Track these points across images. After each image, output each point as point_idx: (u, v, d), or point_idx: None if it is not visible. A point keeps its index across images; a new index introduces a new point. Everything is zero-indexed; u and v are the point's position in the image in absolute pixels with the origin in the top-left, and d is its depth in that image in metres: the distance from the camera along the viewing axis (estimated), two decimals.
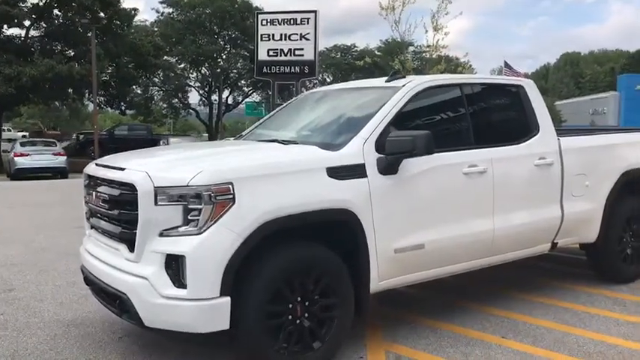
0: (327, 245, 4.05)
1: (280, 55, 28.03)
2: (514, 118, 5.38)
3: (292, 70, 28.01)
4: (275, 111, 5.84)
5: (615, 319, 5.00)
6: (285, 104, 5.96)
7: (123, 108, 40.19)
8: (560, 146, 5.37)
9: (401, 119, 4.51)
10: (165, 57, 44.56)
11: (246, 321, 3.66)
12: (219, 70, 48.01)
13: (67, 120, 73.27)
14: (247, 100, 48.90)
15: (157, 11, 48.07)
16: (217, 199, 3.56)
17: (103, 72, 31.66)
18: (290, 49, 28.02)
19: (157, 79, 47.46)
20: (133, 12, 35.92)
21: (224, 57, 48.45)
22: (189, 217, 3.58)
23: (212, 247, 3.53)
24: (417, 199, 4.41)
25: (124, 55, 34.49)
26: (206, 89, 50.80)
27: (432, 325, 4.86)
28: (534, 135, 5.24)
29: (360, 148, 4.19)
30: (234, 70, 49.33)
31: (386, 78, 5.03)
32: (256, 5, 45.66)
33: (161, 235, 3.62)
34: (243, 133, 5.66)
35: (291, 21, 28.36)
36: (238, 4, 46.18)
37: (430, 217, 4.49)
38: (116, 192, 3.90)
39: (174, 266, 3.58)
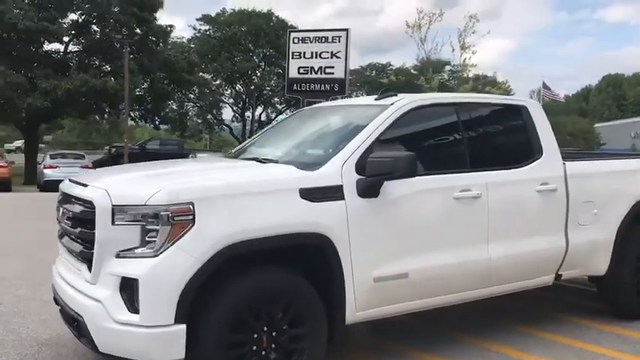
0: (299, 271, 3.82)
1: (311, 73, 27.93)
2: (515, 141, 5.07)
3: (322, 88, 27.86)
4: (267, 127, 5.66)
5: None
6: (279, 121, 5.78)
7: (157, 122, 40.71)
8: (566, 171, 5.03)
9: (387, 139, 4.27)
10: (201, 73, 45.15)
11: (203, 351, 3.44)
12: (252, 87, 48.39)
13: (106, 133, 74.89)
14: (280, 116, 49.08)
15: (194, 28, 48.79)
16: (176, 219, 3.37)
17: (137, 87, 32.08)
18: (320, 67, 27.90)
19: (192, 95, 48.03)
20: (168, 28, 36.46)
21: (258, 74, 48.82)
22: (147, 239, 3.40)
23: (167, 271, 3.33)
24: (401, 225, 4.14)
25: (158, 71, 34.94)
26: (240, 106, 51.19)
27: (420, 358, 4.55)
28: (537, 159, 4.92)
29: (338, 169, 3.96)
30: (268, 88, 49.62)
31: (376, 96, 4.80)
32: (291, 24, 45.93)
33: (118, 256, 3.44)
34: (233, 151, 5.48)
35: (323, 39, 28.29)
36: (273, 22, 46.57)
37: (415, 244, 4.21)
38: (78, 209, 3.75)
39: (129, 290, 3.39)
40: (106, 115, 38.78)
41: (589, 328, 5.35)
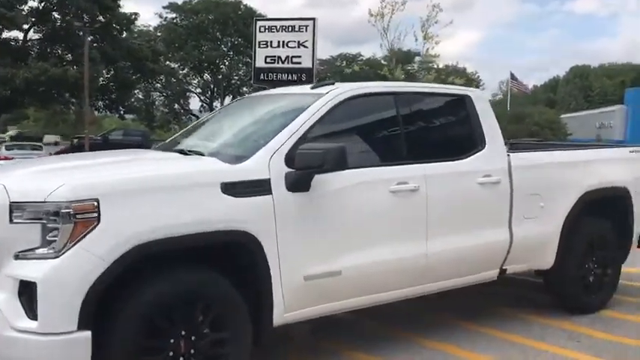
0: (222, 271, 3.58)
1: (278, 63, 27.53)
2: (457, 132, 4.90)
3: (290, 78, 27.44)
4: (205, 117, 5.38)
5: (565, 358, 4.49)
6: (217, 110, 5.52)
7: (122, 112, 39.98)
8: (510, 163, 4.87)
9: (321, 130, 4.05)
10: (167, 62, 44.43)
11: (112, 359, 3.19)
12: (220, 77, 47.83)
13: (73, 124, 73.40)
14: None
15: (161, 16, 47.97)
16: (78, 217, 3.10)
17: (99, 76, 31.36)
18: (288, 57, 27.53)
19: (158, 85, 47.28)
20: (133, 16, 35.76)
21: (226, 63, 48.24)
22: (48, 238, 3.13)
23: (68, 273, 3.06)
24: (334, 220, 3.93)
25: (122, 60, 34.25)
26: (207, 95, 50.59)
27: (356, 357, 4.37)
28: (479, 150, 4.74)
29: (265, 162, 3.73)
30: (236, 77, 49.16)
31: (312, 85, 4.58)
32: (259, 12, 45.43)
33: (17, 257, 3.16)
34: (167, 141, 5.20)
35: (290, 28, 27.89)
36: (242, 11, 46.01)
37: (349, 240, 4.01)
38: None
39: (28, 294, 3.11)
40: (71, 106, 37.88)
41: (534, 323, 5.22)
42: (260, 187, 3.64)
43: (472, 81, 67.73)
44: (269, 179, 3.68)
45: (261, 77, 27.95)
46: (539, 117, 45.47)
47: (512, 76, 50.96)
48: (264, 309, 3.69)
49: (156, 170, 3.67)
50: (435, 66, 18.84)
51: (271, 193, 3.66)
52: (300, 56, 27.60)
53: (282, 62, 27.76)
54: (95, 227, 3.12)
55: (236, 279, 3.61)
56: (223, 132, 4.64)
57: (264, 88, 36.67)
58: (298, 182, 3.73)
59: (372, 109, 4.50)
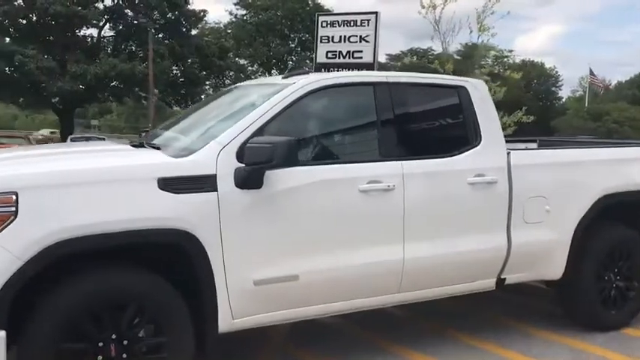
0: (161, 273, 3.37)
1: (339, 58, 27.08)
2: (447, 126, 4.47)
3: None
4: (189, 109, 5.18)
5: None
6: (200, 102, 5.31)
7: None
8: (510, 162, 4.40)
9: (283, 123, 3.76)
10: (237, 59, 45.05)
11: None
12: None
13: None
14: None
15: (231, 13, 48.72)
16: None
17: (166, 72, 32.09)
18: (349, 52, 27.13)
19: (228, 81, 48.02)
20: (201, 13, 36.39)
21: (294, 59, 48.37)
22: None
23: None
24: (291, 220, 3.64)
25: (190, 56, 34.93)
26: None
27: None
28: (473, 147, 4.30)
29: (213, 156, 3.48)
30: None
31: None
32: (327, 8, 45.24)
33: None
34: (150, 133, 5.04)
35: (351, 23, 27.38)
36: (310, 6, 45.96)
37: (309, 242, 3.70)
38: None
39: None
40: (143, 100, 39.05)
41: (536, 338, 4.72)
42: (203, 184, 3.40)
43: (550, 76, 65.15)
44: (215, 175, 3.43)
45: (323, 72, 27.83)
46: (618, 114, 43.03)
47: (591, 72, 48.52)
48: (208, 314, 3.45)
49: (86, 164, 3.49)
50: (512, 61, 18.07)
51: (216, 190, 3.41)
52: (361, 51, 27.07)
53: (343, 57, 27.31)
54: (12, 222, 2.97)
55: (177, 281, 3.40)
56: (191, 124, 4.41)
57: None
58: (248, 179, 3.45)
59: (346, 100, 4.17)
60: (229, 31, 46.45)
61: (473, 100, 4.40)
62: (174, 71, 35.67)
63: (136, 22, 33.73)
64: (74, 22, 31.52)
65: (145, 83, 31.72)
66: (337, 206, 3.77)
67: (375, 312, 4.30)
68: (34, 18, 31.21)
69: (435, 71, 17.78)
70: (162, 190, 3.29)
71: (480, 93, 4.47)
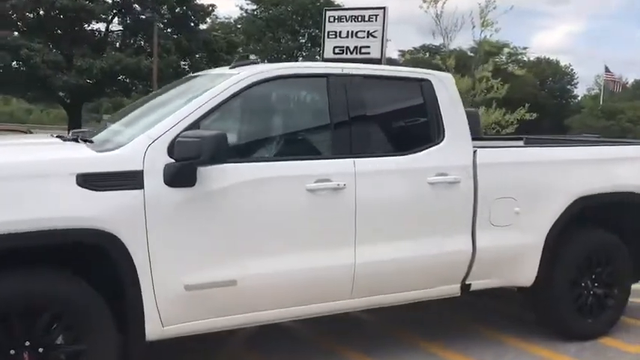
0: (83, 275, 3.15)
1: (346, 53, 26.84)
2: (406, 122, 4.19)
3: None
4: (139, 100, 4.91)
5: None
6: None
7: None
8: (476, 160, 4.12)
9: (222, 116, 3.53)
10: (246, 54, 44.85)
11: None
12: None
13: None
14: None
15: (241, 8, 48.52)
16: None
17: (171, 67, 31.94)
18: (356, 47, 26.89)
19: None
20: (209, 8, 36.18)
21: (304, 54, 48.08)
22: None
23: None
24: (228, 222, 3.39)
25: (198, 51, 34.78)
26: None
27: None
28: (435, 144, 4.03)
29: (140, 151, 3.24)
30: None
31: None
32: (338, 3, 44.93)
33: None
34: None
35: (359, 18, 27.19)
36: (320, 1, 45.66)
37: (248, 245, 3.46)
38: None
39: None
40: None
41: (509, 347, 4.44)
42: (127, 180, 3.16)
43: (565, 74, 64.25)
44: (141, 171, 3.19)
45: None
46: (633, 113, 42.29)
47: (607, 69, 47.76)
48: (133, 321, 3.22)
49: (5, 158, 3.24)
50: (526, 59, 17.83)
51: (142, 188, 3.18)
52: (369, 46, 26.85)
53: (351, 53, 27.07)
54: None
55: (100, 285, 3.17)
56: (137, 116, 4.16)
57: None
58: (178, 175, 3.21)
59: (295, 93, 3.93)
60: (239, 26, 46.23)
61: (437, 95, 4.12)
62: (183, 66, 35.53)
63: (143, 16, 33.67)
64: (82, 17, 31.51)
65: (150, 77, 31.63)
66: (281, 206, 3.52)
67: (339, 315, 4.03)
68: (42, 12, 31.21)
69: (437, 67, 17.53)
70: (81, 187, 3.05)
71: (445, 87, 4.18)
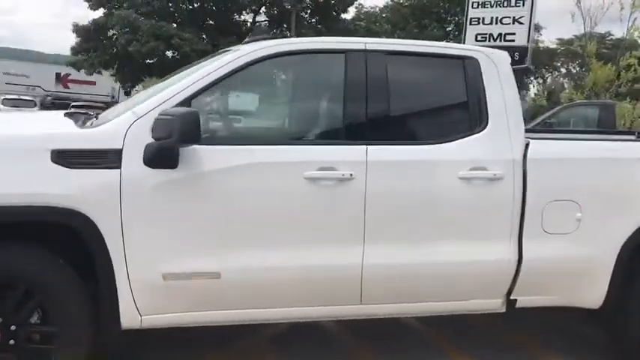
0: (62, 255, 3.03)
1: (489, 40, 25.42)
2: (438, 106, 3.61)
3: None
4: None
5: None
6: None
7: None
8: (527, 154, 3.46)
9: (217, 95, 3.26)
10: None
11: None
12: None
13: None
14: None
15: None
16: None
17: None
18: (500, 34, 25.38)
19: None
20: None
21: (450, 42, 46.58)
22: None
23: None
24: (213, 209, 3.11)
25: None
26: None
27: None
28: (472, 133, 3.43)
29: (123, 128, 3.05)
30: None
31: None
32: None
33: None
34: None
35: (504, 3, 25.60)
36: None
37: (235, 236, 3.15)
38: None
39: None
40: None
41: None
42: (104, 159, 2.98)
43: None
44: (120, 150, 3.00)
45: None
46: None
47: None
48: (106, 307, 3.05)
49: None
50: None
51: (119, 168, 2.99)
52: (513, 33, 25.21)
53: (494, 40, 25.58)
54: None
55: (76, 267, 3.04)
56: (141, 96, 3.97)
57: None
58: (156, 156, 2.96)
59: (307, 71, 3.51)
60: (384, 15, 45.80)
61: (484, 75, 3.51)
62: None
63: (288, 7, 34.57)
64: (231, 8, 33.09)
65: None
66: (275, 196, 3.17)
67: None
68: (196, 5, 33.19)
69: (576, 54, 15.86)
70: (56, 163, 2.93)
71: (495, 67, 3.55)
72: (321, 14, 34.40)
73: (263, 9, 35.25)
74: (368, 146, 3.26)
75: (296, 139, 3.37)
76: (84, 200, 2.93)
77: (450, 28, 46.53)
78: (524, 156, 3.45)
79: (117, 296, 3.03)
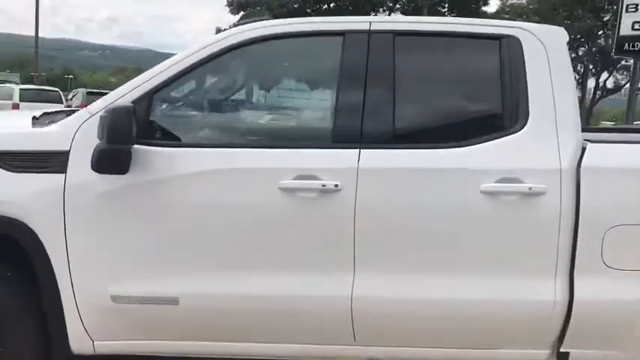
0: (7, 265, 2.74)
1: None
2: (460, 100, 2.79)
3: None
4: None
5: None
6: None
7: None
8: (583, 161, 2.59)
9: (187, 87, 2.80)
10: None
11: None
12: (595, 49, 42.44)
13: None
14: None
15: None
16: None
17: None
18: None
19: None
20: None
21: (604, 33, 42.54)
22: None
23: None
24: (171, 224, 2.64)
25: None
26: (579, 71, 45.60)
27: None
28: (505, 134, 2.63)
29: (72, 128, 2.69)
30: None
31: None
32: None
33: None
34: None
35: None
36: None
37: (197, 256, 2.66)
38: None
39: None
40: None
41: None
42: (48, 162, 2.63)
43: None
44: (67, 152, 2.64)
45: (625, 48, 23.74)
46: None
47: None
48: (53, 329, 2.70)
49: None
50: None
51: (64, 172, 2.62)
52: None
53: None
54: None
55: (24, 282, 2.73)
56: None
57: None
58: (102, 159, 2.54)
59: (296, 57, 2.90)
60: (531, 7, 42.91)
61: (526, 59, 2.69)
62: None
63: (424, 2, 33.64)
64: (366, 7, 32.88)
65: None
66: (243, 210, 2.62)
67: None
68: (331, 4, 33.38)
69: None
70: None
71: (543, 47, 2.71)
72: (460, 7, 32.94)
73: (398, 5, 34.53)
74: (361, 150, 2.60)
75: (273, 140, 2.79)
76: (23, 207, 2.61)
77: (607, 18, 42.53)
78: (579, 164, 2.59)
79: (63, 318, 2.67)
